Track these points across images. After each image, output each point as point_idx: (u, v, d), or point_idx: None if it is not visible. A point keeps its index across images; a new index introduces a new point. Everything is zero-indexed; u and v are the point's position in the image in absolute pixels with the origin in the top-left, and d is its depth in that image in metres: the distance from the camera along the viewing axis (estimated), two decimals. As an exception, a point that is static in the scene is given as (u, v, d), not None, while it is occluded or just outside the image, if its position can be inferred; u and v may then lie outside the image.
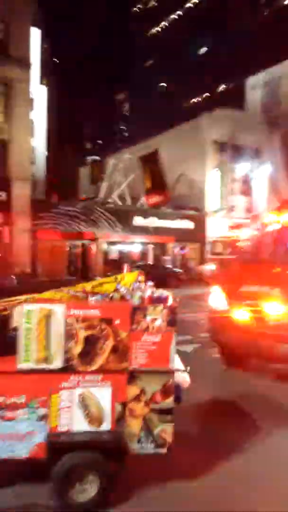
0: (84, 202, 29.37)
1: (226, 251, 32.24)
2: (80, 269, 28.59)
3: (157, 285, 3.25)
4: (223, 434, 4.12)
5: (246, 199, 33.11)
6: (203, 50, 67.13)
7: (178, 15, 73.24)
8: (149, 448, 2.91)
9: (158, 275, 26.36)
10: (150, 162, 29.95)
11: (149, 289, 3.11)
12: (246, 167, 32.07)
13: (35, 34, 33.70)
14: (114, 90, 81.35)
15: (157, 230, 29.10)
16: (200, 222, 30.91)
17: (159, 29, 76.99)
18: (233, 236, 32.31)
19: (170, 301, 3.01)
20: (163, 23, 75.84)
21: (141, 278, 3.41)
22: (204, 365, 6.57)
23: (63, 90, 68.18)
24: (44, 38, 52.79)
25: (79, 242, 28.56)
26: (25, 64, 25.24)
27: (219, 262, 30.00)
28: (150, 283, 3.27)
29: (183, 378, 3.36)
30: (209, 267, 29.36)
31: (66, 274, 27.29)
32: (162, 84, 74.04)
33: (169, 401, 2.92)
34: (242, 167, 32.06)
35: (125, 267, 3.95)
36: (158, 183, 29.86)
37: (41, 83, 50.89)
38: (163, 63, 70.81)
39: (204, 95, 66.69)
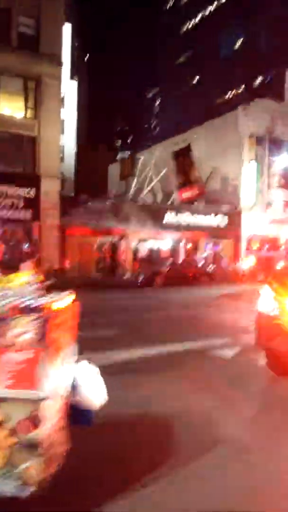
0: (114, 198, 29.09)
1: (263, 248, 31.00)
2: (109, 266, 28.41)
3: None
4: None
5: (285, 193, 31.64)
6: (240, 41, 64.92)
7: (213, 7, 71.37)
8: (10, 486, 2.42)
9: (190, 272, 25.83)
10: (183, 156, 29.22)
11: (29, 295, 2.61)
12: (286, 160, 30.65)
13: (65, 29, 33.74)
14: (146, 85, 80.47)
15: (189, 227, 28.36)
16: (234, 218, 29.82)
17: (193, 22, 75.23)
18: (271, 232, 31.05)
19: (49, 310, 2.49)
20: (198, 15, 73.97)
21: (37, 278, 2.91)
22: (244, 373, 6.02)
23: (94, 85, 68.16)
24: (75, 33, 52.89)
25: (108, 239, 28.34)
26: (57, 60, 25.08)
27: (256, 260, 28.91)
28: (37, 286, 2.77)
29: (87, 400, 2.83)
30: (244, 265, 28.39)
31: (95, 270, 27.18)
32: (196, 77, 72.16)
33: (37, 433, 2.41)
34: (281, 161, 30.66)
35: (22, 265, 3.43)
36: (191, 178, 29.11)
37: (71, 78, 50.88)
38: (198, 56, 69.20)
39: (241, 88, 64.50)
